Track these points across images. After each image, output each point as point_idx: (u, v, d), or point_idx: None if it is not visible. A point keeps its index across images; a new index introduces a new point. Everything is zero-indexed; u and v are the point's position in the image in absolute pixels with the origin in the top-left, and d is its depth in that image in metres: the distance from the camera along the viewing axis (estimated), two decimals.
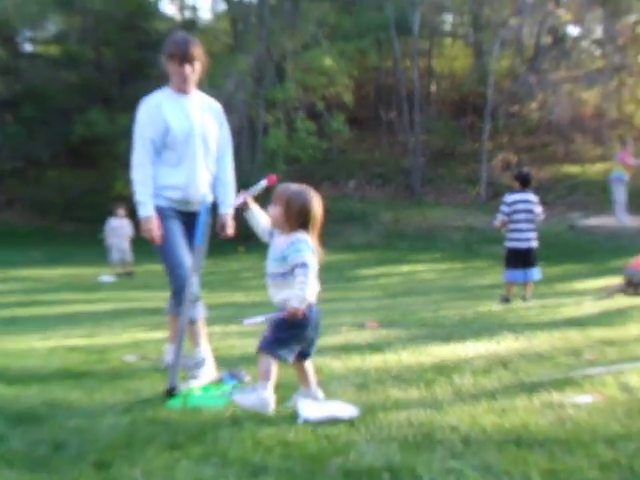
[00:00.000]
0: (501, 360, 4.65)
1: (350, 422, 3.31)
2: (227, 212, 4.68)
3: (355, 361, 4.75)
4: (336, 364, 4.66)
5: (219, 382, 4.30)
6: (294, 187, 3.70)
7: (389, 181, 24.16)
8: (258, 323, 4.58)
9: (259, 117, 21.74)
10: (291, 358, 3.63)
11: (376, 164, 24.89)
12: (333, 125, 21.95)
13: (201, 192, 4.50)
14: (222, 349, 5.26)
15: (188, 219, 4.53)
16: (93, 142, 23.79)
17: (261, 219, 3.91)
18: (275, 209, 3.67)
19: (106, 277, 15.05)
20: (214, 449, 2.98)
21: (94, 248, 19.40)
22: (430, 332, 6.09)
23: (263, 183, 4.12)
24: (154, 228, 4.40)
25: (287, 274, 3.61)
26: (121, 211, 15.14)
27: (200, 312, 4.49)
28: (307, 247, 3.58)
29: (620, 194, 15.82)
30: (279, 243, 3.69)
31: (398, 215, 21.07)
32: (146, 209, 4.42)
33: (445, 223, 19.96)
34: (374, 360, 4.78)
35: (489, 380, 4.15)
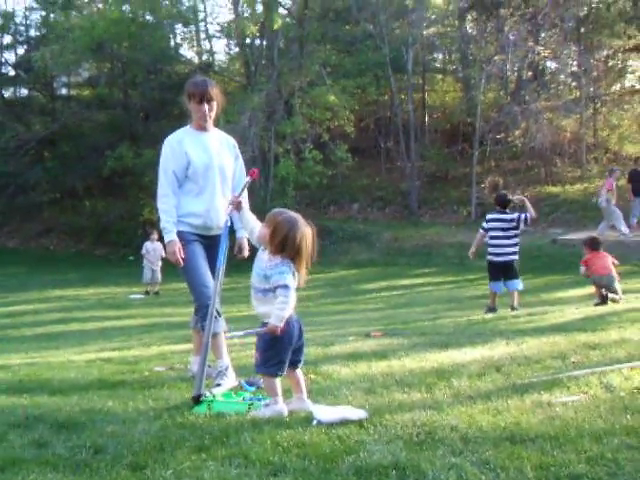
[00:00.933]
0: (494, 364, 4.62)
1: (359, 423, 3.29)
2: (244, 236, 4.68)
3: (362, 367, 4.73)
4: (345, 370, 4.64)
5: (239, 389, 4.28)
6: (286, 215, 3.57)
7: (389, 203, 24.16)
8: (239, 337, 4.57)
9: (270, 148, 21.80)
10: (282, 371, 3.60)
11: (377, 188, 24.90)
12: (337, 154, 22.02)
13: (220, 219, 4.50)
14: (241, 359, 5.24)
15: (208, 242, 4.55)
16: (122, 174, 23.98)
17: (250, 220, 3.90)
18: (264, 229, 3.62)
19: (136, 295, 15.08)
20: (237, 451, 2.97)
21: (124, 269, 19.47)
22: (429, 340, 6.05)
23: (248, 179, 4.13)
24: (177, 252, 4.41)
25: (267, 291, 3.54)
26: (154, 235, 15.18)
27: (221, 326, 4.48)
28: (289, 270, 3.51)
29: (612, 212, 15.74)
30: (264, 259, 3.61)
31: (397, 234, 21.05)
32: (170, 235, 4.43)
33: (440, 240, 19.93)
34: (380, 366, 4.75)
35: (484, 383, 4.12)
